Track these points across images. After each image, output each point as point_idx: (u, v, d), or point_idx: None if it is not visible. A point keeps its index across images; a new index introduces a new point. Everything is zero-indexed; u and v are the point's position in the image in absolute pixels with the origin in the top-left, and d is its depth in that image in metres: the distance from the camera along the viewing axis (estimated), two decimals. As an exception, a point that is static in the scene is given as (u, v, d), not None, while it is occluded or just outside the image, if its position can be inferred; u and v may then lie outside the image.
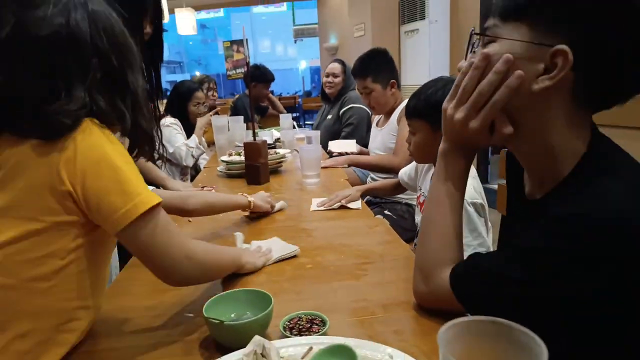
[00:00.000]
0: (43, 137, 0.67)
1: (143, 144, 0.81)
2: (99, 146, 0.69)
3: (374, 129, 2.61)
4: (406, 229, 2.03)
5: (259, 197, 1.45)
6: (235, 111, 4.07)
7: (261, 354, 0.64)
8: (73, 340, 0.75)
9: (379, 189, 1.95)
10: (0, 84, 0.67)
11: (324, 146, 2.75)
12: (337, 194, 1.60)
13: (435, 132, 1.35)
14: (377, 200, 2.28)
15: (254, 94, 3.95)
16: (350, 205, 1.58)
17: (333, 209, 1.56)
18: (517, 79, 0.69)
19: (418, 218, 1.50)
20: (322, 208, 1.55)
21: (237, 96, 4.56)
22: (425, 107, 1.34)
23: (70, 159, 0.67)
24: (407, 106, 1.41)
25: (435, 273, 0.80)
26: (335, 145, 2.65)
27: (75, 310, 0.75)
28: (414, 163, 1.68)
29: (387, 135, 2.45)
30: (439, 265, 0.80)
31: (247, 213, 1.43)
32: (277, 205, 1.52)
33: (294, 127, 3.41)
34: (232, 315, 0.82)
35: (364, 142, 2.78)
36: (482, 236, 1.26)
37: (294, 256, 1.17)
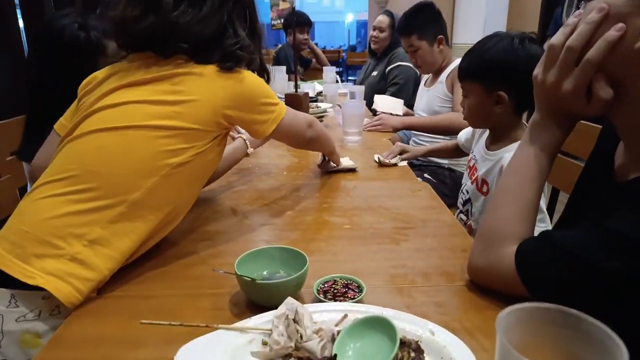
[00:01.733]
0: (221, 67, 0.90)
1: (263, 76, 1.00)
2: (255, 77, 0.97)
3: (421, 89, 2.46)
4: (446, 194, 1.94)
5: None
6: (277, 62, 3.96)
7: (293, 319, 0.61)
8: (168, 230, 0.95)
9: (440, 151, 1.84)
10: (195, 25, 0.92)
11: (368, 103, 2.61)
12: (398, 144, 1.66)
13: (489, 95, 1.27)
14: (417, 163, 2.20)
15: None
16: (400, 163, 1.60)
17: (384, 165, 1.56)
18: (618, 31, 0.62)
19: (467, 184, 1.43)
20: (387, 160, 1.59)
21: (279, 46, 4.44)
22: (479, 67, 1.26)
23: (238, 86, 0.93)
24: (459, 67, 1.33)
25: (499, 246, 0.74)
26: (381, 103, 2.50)
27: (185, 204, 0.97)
28: (470, 129, 1.62)
29: (433, 97, 2.29)
30: (505, 237, 0.74)
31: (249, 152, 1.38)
32: (344, 163, 1.50)
33: (337, 82, 3.29)
34: (265, 273, 0.80)
35: (409, 103, 2.65)
36: (543, 211, 1.19)
37: (353, 170, 1.41)
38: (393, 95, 2.79)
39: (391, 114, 2.33)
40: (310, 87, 2.82)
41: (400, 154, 1.67)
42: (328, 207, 1.19)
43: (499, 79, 1.24)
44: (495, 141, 1.35)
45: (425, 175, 2.09)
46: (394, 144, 1.74)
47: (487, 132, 1.42)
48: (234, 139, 1.35)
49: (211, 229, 1.07)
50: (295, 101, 1.75)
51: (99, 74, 0.94)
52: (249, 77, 0.92)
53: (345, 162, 1.48)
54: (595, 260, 0.61)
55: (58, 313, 0.77)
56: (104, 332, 0.70)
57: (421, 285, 0.82)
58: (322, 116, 2.13)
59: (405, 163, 1.58)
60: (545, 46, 0.71)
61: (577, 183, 0.86)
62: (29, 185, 1.36)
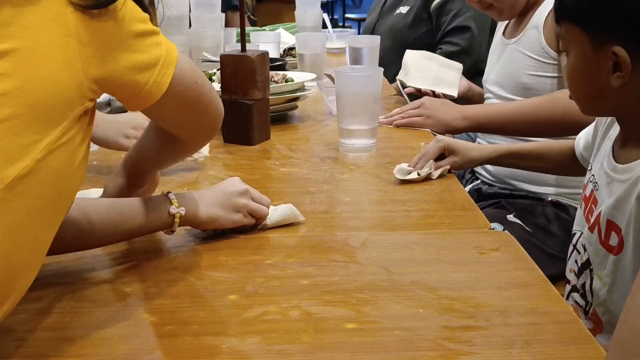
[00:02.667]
0: None
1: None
2: None
3: (495, 46, 1.85)
4: (553, 255, 1.44)
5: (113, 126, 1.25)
6: None
7: None
8: None
9: (535, 153, 1.31)
10: None
11: (389, 72, 2.06)
12: (437, 140, 1.29)
13: (598, 53, 0.97)
14: (494, 191, 1.72)
15: None
16: (434, 173, 1.25)
17: (410, 181, 1.26)
18: None
19: (583, 233, 1.09)
20: (414, 174, 1.24)
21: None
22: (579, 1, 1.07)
23: None
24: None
25: None
26: (417, 68, 1.87)
27: None
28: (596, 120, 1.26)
29: (518, 57, 1.68)
30: None
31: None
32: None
33: (324, 26, 2.60)
34: None
35: (474, 71, 2.07)
36: None
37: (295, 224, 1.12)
38: (454, 55, 2.08)
39: (437, 94, 1.76)
40: (271, 40, 2.14)
41: (441, 157, 1.29)
42: (310, 285, 0.89)
43: (615, 22, 0.94)
44: (631, 143, 1.02)
45: (511, 216, 1.58)
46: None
47: (615, 130, 1.10)
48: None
49: (74, 332, 0.77)
50: (243, 69, 1.30)
51: None
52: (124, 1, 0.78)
53: (280, 212, 1.09)
54: None
55: None
56: None
57: None
58: (296, 98, 1.70)
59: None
60: None
61: None
62: None
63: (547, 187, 1.58)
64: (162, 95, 0.78)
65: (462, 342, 0.80)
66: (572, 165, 1.25)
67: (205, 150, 1.33)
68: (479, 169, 1.73)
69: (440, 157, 1.27)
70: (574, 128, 1.27)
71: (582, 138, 1.24)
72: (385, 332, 0.82)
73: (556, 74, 1.57)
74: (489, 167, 1.68)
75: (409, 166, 1.24)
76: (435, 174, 1.23)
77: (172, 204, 0.94)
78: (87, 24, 0.71)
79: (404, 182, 1.27)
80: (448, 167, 1.25)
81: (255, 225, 1.06)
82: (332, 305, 0.87)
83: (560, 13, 1.07)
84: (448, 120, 1.53)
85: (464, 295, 0.89)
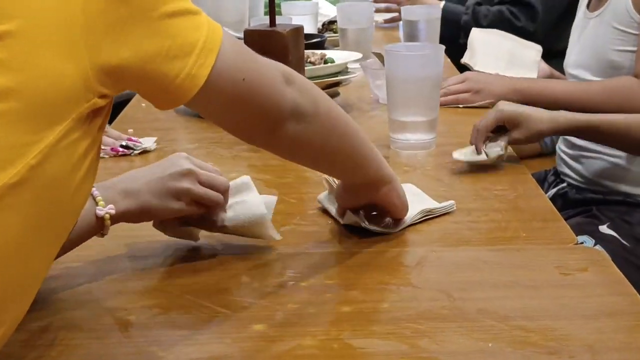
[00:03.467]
0: None
1: None
2: None
3: (579, 21, 1.70)
4: None
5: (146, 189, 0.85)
6: None
7: None
8: None
9: (623, 128, 1.13)
10: None
11: (453, 51, 1.89)
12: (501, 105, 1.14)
13: None
14: (585, 195, 1.53)
15: None
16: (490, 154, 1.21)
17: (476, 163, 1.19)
18: None
19: None
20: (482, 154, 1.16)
21: None
22: None
23: None
24: None
25: None
26: (486, 50, 1.72)
27: None
28: None
29: (606, 32, 1.51)
30: None
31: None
32: (242, 211, 0.89)
33: None
34: None
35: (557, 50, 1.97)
36: None
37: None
38: (528, 34, 1.91)
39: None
40: (307, 13, 1.94)
41: (504, 129, 1.14)
42: (354, 313, 0.76)
43: None
44: None
45: (605, 227, 1.40)
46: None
47: None
48: None
49: None
50: (272, 48, 1.16)
51: None
52: None
53: (247, 201, 0.92)
54: None
55: None
56: None
57: None
58: (338, 83, 1.54)
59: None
60: None
61: None
62: None
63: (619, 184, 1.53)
64: (198, 90, 0.64)
65: None
66: None
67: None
68: (565, 170, 1.53)
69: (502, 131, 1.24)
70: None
71: None
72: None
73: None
74: (577, 167, 1.49)
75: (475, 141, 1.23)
76: (504, 154, 1.13)
77: (97, 204, 0.79)
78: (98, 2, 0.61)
79: (471, 183, 1.15)
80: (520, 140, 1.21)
81: (212, 221, 0.86)
82: (380, 337, 0.79)
83: None
84: (498, 93, 1.38)
85: (544, 326, 0.80)
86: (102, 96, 0.62)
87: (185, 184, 0.85)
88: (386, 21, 1.80)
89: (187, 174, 0.85)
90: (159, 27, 0.63)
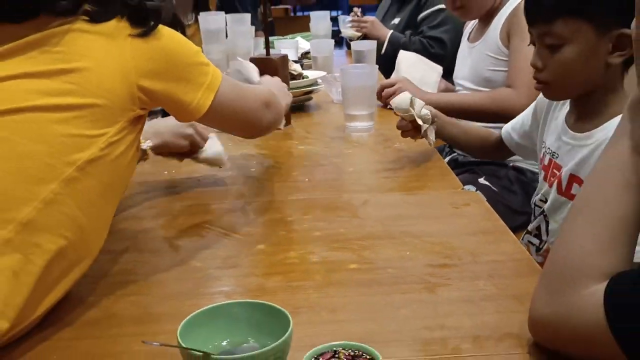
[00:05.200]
0: None
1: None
2: (173, 31, 0.88)
3: (463, 47, 2.05)
4: (514, 209, 1.62)
5: (167, 129, 1.22)
6: (227, 8, 2.82)
7: None
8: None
9: (472, 136, 1.47)
10: None
11: (385, 69, 2.22)
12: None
13: (602, 37, 1.05)
14: (467, 160, 1.88)
15: None
16: (430, 136, 1.31)
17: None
18: None
19: (541, 192, 1.23)
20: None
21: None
22: None
23: None
24: (539, 1, 1.10)
25: (575, 284, 0.64)
26: (409, 67, 2.02)
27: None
28: (527, 112, 1.34)
29: (481, 57, 1.87)
30: (585, 273, 0.64)
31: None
32: (208, 152, 1.24)
33: (335, 28, 2.86)
34: (225, 344, 0.69)
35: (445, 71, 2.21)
36: None
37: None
38: (433, 58, 2.20)
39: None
40: (290, 46, 2.33)
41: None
42: (322, 236, 1.03)
43: (622, 8, 0.99)
44: (588, 116, 1.13)
45: (481, 180, 1.71)
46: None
47: (564, 109, 1.20)
48: None
49: (136, 276, 0.92)
50: (268, 69, 1.43)
51: None
52: (167, 31, 0.86)
53: (212, 147, 1.26)
54: None
55: None
56: None
57: (470, 355, 0.70)
58: (311, 91, 1.84)
59: (432, 137, 1.31)
60: None
61: None
62: None
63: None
64: (204, 114, 0.90)
65: (441, 277, 0.89)
66: (495, 151, 1.41)
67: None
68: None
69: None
70: (503, 119, 1.44)
71: (514, 132, 1.33)
72: (380, 270, 0.91)
73: (506, 68, 1.75)
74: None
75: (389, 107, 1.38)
76: (430, 134, 1.29)
77: (141, 142, 1.12)
78: (142, 48, 0.82)
79: (395, 154, 1.37)
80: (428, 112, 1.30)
81: (191, 152, 1.21)
82: (339, 251, 0.97)
83: (557, 10, 1.07)
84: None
85: (442, 241, 0.99)
86: (142, 108, 0.85)
87: (189, 130, 1.20)
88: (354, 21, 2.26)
89: (191, 125, 1.18)
90: (181, 74, 0.86)
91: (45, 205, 0.75)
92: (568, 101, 1.19)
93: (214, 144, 1.24)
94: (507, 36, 1.75)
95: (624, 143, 0.67)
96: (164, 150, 1.22)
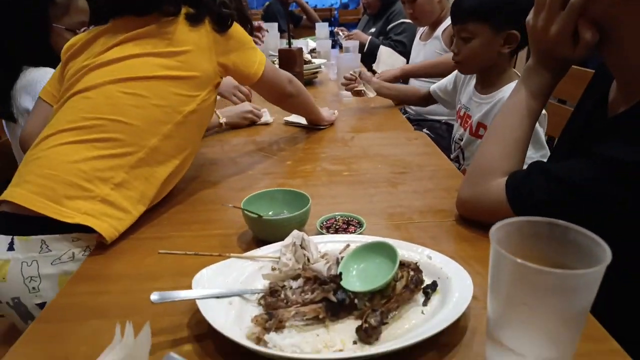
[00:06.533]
0: None
1: (246, 27, 1.13)
2: (239, 26, 1.12)
3: (416, 43, 2.41)
4: (445, 147, 1.90)
5: (234, 112, 1.52)
6: (266, 19, 3.89)
7: (300, 245, 0.64)
8: (170, 179, 0.97)
9: (405, 94, 1.81)
10: None
11: (372, 61, 2.65)
12: (357, 71, 1.67)
13: (496, 36, 1.27)
14: (415, 118, 2.20)
15: None
16: (369, 94, 1.62)
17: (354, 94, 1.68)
18: None
19: (458, 133, 1.44)
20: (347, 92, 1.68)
21: (267, 3, 4.39)
22: (488, 5, 1.25)
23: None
24: (459, 8, 1.30)
25: (487, 179, 0.77)
26: (386, 57, 2.49)
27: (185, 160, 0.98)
28: (451, 76, 1.58)
29: (430, 52, 2.25)
30: (493, 172, 0.77)
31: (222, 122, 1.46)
32: (263, 119, 1.55)
33: (330, 38, 3.22)
34: (270, 213, 0.82)
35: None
36: (545, 148, 1.21)
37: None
38: (402, 54, 2.72)
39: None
40: (303, 44, 2.76)
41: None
42: (326, 157, 1.22)
43: (509, 16, 1.24)
44: (489, 85, 1.37)
45: (424, 130, 2.08)
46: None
47: (473, 80, 1.43)
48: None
49: (215, 178, 1.11)
50: (290, 57, 1.74)
51: (82, 36, 0.96)
52: (236, 26, 0.98)
53: (265, 115, 1.58)
54: (590, 185, 0.63)
55: (88, 254, 0.79)
56: (123, 269, 0.74)
57: (418, 221, 0.85)
58: (316, 72, 2.12)
59: (374, 94, 1.62)
60: None
61: (568, 122, 0.88)
62: (15, 151, 1.38)
63: (441, 116, 2.14)
64: (256, 81, 1.05)
65: (399, 179, 1.08)
66: (426, 100, 1.74)
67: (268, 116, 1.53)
68: (407, 108, 2.26)
69: None
70: (442, 76, 1.70)
71: (439, 90, 1.64)
72: (361, 176, 1.11)
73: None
74: (414, 109, 2.21)
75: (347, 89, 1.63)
76: (368, 92, 1.65)
77: (219, 117, 1.41)
78: (219, 39, 0.98)
79: (372, 111, 1.64)
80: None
81: (252, 122, 1.45)
82: (336, 165, 1.16)
83: (468, 15, 1.28)
84: (393, 74, 2.15)
85: (400, 159, 1.17)
86: (220, 77, 0.99)
87: (248, 109, 1.47)
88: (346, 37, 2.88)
89: (249, 106, 1.47)
90: (243, 53, 1.01)
91: (164, 138, 0.89)
92: (475, 75, 1.42)
93: (266, 114, 1.53)
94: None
95: (521, 91, 0.80)
96: (234, 124, 1.46)
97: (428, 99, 1.69)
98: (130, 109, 0.85)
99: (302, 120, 1.44)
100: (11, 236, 0.78)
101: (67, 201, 0.78)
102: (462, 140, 1.42)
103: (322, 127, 1.44)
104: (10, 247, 0.78)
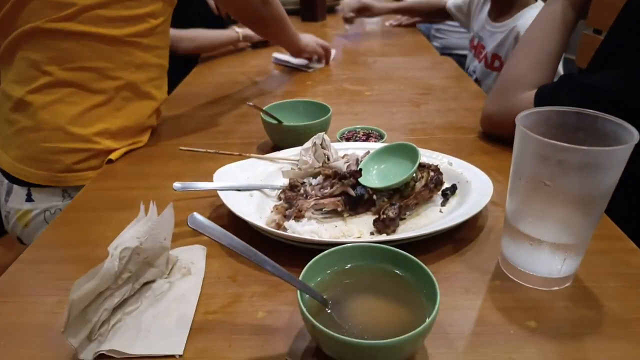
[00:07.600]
0: None
1: None
2: None
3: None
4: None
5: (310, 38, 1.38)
6: None
7: (320, 144, 0.65)
8: (160, 96, 0.88)
9: (418, 8, 1.76)
10: None
11: None
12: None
13: None
14: (440, 52, 2.05)
15: None
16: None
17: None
18: None
19: (472, 64, 1.43)
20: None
21: None
22: None
23: None
24: None
25: (516, 92, 0.74)
26: None
27: (163, 68, 0.87)
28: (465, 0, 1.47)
29: None
30: (522, 85, 0.74)
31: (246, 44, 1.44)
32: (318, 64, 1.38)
33: None
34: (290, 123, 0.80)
35: None
36: None
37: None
38: None
39: None
40: None
41: (361, 12, 1.65)
42: (348, 78, 1.22)
43: None
44: (502, 12, 1.33)
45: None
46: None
47: (487, 5, 1.39)
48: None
49: (232, 95, 1.13)
50: None
51: None
52: None
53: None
54: (618, 92, 0.62)
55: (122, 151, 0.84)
56: (147, 169, 0.77)
57: (439, 136, 0.86)
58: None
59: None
60: None
61: (603, 42, 0.82)
62: None
63: (457, 50, 2.00)
64: None
65: (422, 100, 1.06)
66: (440, 14, 1.69)
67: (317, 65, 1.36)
68: (435, 43, 2.09)
69: None
70: None
71: (453, 7, 1.60)
72: (384, 95, 1.10)
73: None
74: (439, 42, 2.08)
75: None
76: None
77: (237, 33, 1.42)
78: None
79: (395, 39, 1.59)
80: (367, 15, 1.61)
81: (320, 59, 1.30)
82: (359, 85, 1.17)
83: None
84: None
85: (425, 82, 1.19)
86: None
87: (314, 43, 1.29)
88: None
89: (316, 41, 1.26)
90: None
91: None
92: (489, 2, 1.36)
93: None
94: None
95: (556, 4, 0.77)
96: (249, 40, 1.46)
97: (442, 13, 1.67)
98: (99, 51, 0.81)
99: (292, 60, 1.29)
100: (27, 187, 0.78)
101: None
102: (475, 72, 1.40)
103: (310, 68, 1.29)
104: (29, 198, 0.80)
